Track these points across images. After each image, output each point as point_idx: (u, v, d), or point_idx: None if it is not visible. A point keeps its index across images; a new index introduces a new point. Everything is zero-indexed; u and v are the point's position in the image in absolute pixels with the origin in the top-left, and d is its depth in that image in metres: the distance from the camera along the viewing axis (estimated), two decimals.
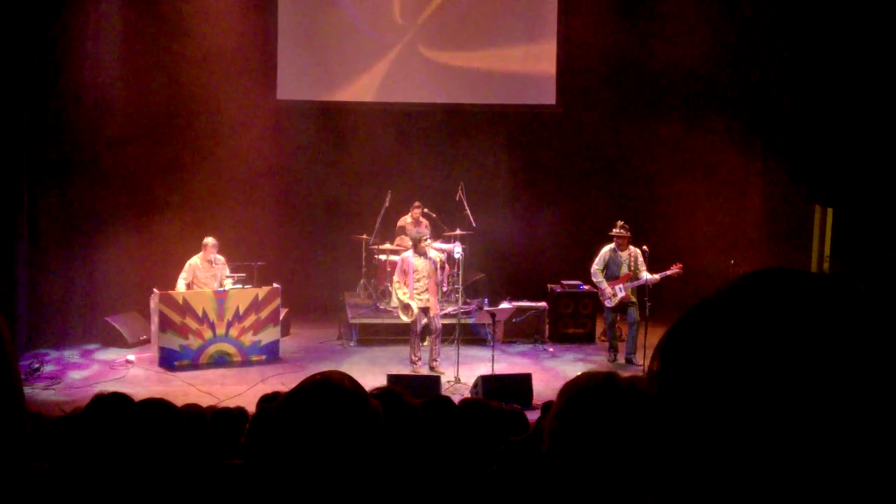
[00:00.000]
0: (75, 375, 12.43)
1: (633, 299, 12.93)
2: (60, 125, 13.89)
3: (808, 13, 13.71)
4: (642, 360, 12.45)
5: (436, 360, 12.65)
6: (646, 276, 12.77)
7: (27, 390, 11.67)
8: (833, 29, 13.11)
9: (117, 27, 14.58)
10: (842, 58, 12.95)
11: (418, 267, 12.53)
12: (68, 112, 13.98)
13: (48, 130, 13.65)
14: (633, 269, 12.87)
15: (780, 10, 14.36)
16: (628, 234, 12.90)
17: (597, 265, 12.99)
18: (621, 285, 12.86)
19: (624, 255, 12.90)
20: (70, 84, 13.98)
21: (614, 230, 12.96)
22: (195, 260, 13.13)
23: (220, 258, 13.27)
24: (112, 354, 13.35)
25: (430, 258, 12.66)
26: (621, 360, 13.04)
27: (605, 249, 13.01)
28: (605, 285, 12.92)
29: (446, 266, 13.88)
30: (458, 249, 14.20)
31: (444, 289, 13.73)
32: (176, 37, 14.88)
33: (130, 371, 12.66)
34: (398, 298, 12.85)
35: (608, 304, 13.01)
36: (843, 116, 13.00)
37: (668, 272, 12.74)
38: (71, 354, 13.33)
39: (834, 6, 13.24)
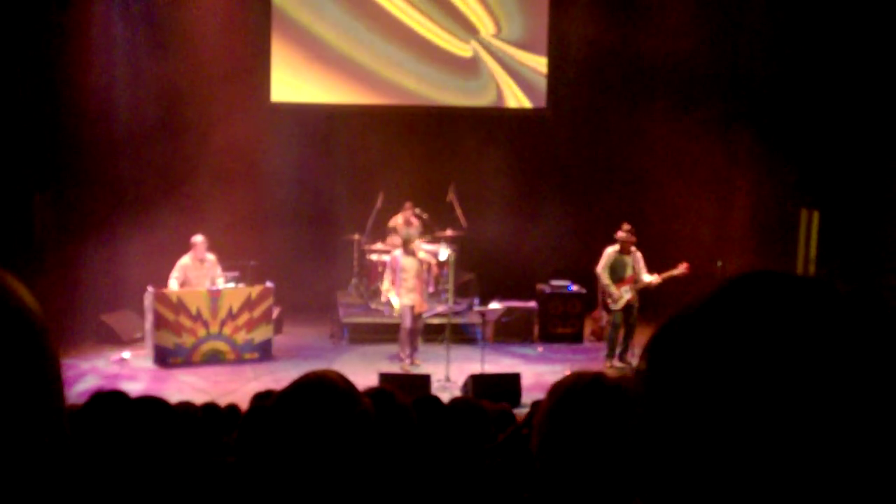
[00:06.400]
0: (70, 372, 12.43)
1: (636, 302, 12.81)
2: (56, 127, 13.90)
3: (795, 12, 13.74)
4: (634, 361, 12.42)
5: (415, 356, 12.77)
6: (646, 277, 12.71)
7: None
8: (824, 29, 13.13)
9: (111, 31, 14.60)
10: (830, 60, 12.98)
11: (406, 266, 12.62)
12: (63, 114, 13.99)
13: (44, 132, 13.65)
14: (636, 271, 12.80)
15: (767, 9, 14.42)
16: (634, 237, 12.79)
17: (602, 267, 12.86)
18: (627, 287, 12.80)
19: (628, 257, 12.81)
20: (65, 87, 14.00)
21: (620, 233, 12.84)
22: (186, 259, 13.11)
23: (211, 257, 13.25)
24: (107, 352, 13.36)
25: (418, 258, 12.75)
26: (616, 362, 12.99)
27: (610, 251, 12.85)
28: (612, 288, 12.83)
29: (433, 268, 13.89)
30: (443, 252, 14.24)
31: (430, 290, 13.74)
32: (170, 40, 14.92)
33: (125, 368, 12.69)
34: (384, 292, 12.97)
35: (614, 306, 12.86)
36: (829, 119, 13.02)
37: (675, 272, 12.65)
38: (66, 352, 13.30)
39: (821, 3, 13.28)
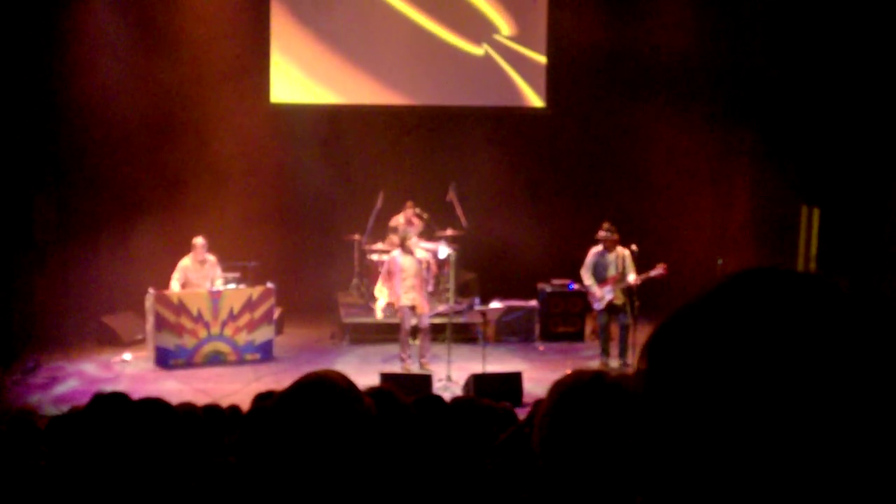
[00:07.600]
0: (72, 374, 12.43)
1: (620, 302, 12.69)
2: (56, 128, 13.92)
3: (796, 8, 13.74)
4: (633, 361, 12.38)
5: (424, 358, 12.66)
6: (630, 278, 12.61)
7: (23, 389, 11.70)
8: (823, 26, 13.12)
9: (111, 32, 14.59)
10: (831, 57, 12.97)
11: (405, 266, 12.51)
12: (63, 115, 14.01)
13: (43, 133, 13.66)
14: (620, 270, 12.63)
15: (767, 5, 14.43)
16: (615, 236, 12.71)
17: (585, 268, 12.83)
18: (609, 287, 12.76)
19: (611, 256, 12.66)
20: (65, 87, 14.02)
21: (600, 232, 12.76)
22: (186, 261, 13.10)
23: (212, 258, 13.24)
24: (108, 354, 13.35)
25: (416, 257, 12.66)
26: (612, 361, 12.91)
27: (593, 251, 12.79)
28: (595, 288, 12.80)
29: (432, 266, 13.88)
30: (442, 250, 14.22)
31: (430, 289, 13.72)
32: (170, 40, 14.90)
33: (126, 370, 12.69)
34: (375, 293, 12.88)
35: (597, 306, 12.81)
36: (830, 116, 13.01)
37: (652, 273, 12.53)
38: (67, 353, 13.30)
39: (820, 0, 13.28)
